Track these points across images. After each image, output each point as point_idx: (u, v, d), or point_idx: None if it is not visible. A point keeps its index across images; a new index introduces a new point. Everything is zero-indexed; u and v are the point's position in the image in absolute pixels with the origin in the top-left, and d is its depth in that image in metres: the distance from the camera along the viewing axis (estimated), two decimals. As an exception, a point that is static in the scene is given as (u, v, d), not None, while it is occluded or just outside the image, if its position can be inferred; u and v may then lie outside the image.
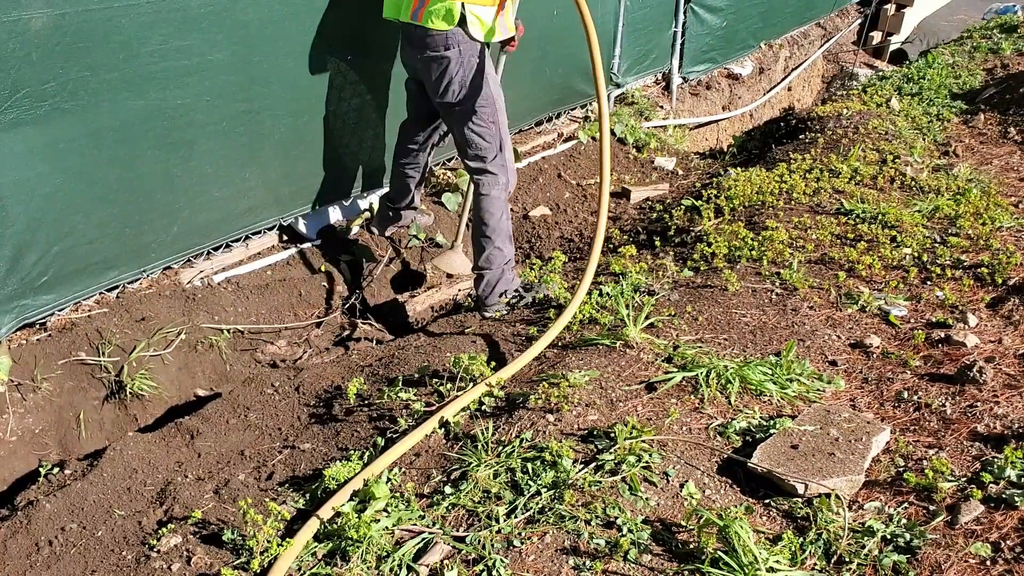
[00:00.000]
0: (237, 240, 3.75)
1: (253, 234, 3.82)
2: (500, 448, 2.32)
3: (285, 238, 4.04)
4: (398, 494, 2.17)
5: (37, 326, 3.16)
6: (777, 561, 1.85)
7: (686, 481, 2.17)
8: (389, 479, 2.25)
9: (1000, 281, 3.21)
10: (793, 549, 1.92)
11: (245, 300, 3.69)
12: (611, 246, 4.18)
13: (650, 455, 2.22)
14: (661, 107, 6.32)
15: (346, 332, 3.85)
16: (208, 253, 3.66)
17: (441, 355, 3.00)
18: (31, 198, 2.86)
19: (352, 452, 2.42)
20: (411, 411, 2.58)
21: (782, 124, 5.91)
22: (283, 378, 3.03)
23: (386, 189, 4.20)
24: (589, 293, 3.20)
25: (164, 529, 2.16)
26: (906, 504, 2.09)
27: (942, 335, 2.88)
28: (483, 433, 2.38)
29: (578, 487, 2.13)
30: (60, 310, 3.18)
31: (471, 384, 2.65)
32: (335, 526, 2.05)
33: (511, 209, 4.58)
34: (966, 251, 3.51)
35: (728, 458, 2.27)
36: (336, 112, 3.80)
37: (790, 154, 4.84)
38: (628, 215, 4.80)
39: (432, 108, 3.63)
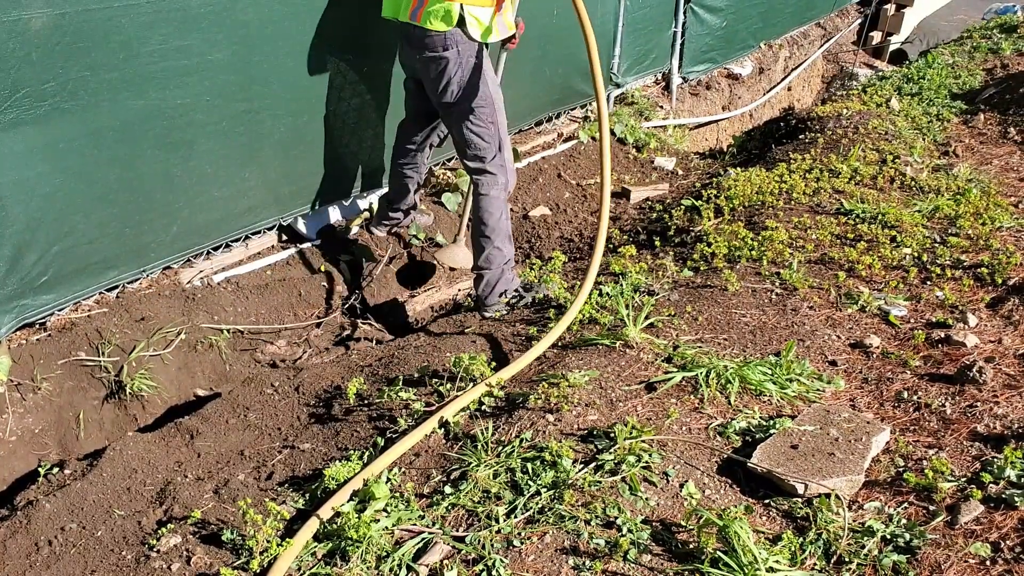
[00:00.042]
0: (237, 240, 3.75)
1: (253, 234, 3.82)
2: (500, 448, 2.32)
3: (285, 238, 4.04)
4: (398, 494, 2.17)
5: (37, 326, 3.16)
6: (777, 561, 1.85)
7: (686, 481, 2.17)
8: (389, 479, 2.25)
9: (1000, 281, 3.21)
10: (793, 549, 1.92)
11: (245, 300, 3.69)
12: (611, 246, 4.18)
13: (650, 455, 2.22)
14: (661, 107, 6.32)
15: (346, 332, 3.85)
16: (208, 253, 3.66)
17: (441, 355, 3.00)
18: (31, 198, 2.86)
19: (352, 452, 2.42)
20: (411, 411, 2.58)
21: (782, 124, 5.91)
22: (283, 378, 3.03)
23: (386, 189, 4.20)
24: (589, 293, 3.19)
25: (164, 529, 2.16)
26: (906, 504, 2.09)
27: (942, 335, 2.88)
28: (483, 433, 2.38)
29: (578, 487, 2.13)
30: (60, 310, 3.18)
31: (471, 384, 2.65)
32: (335, 526, 2.05)
33: (511, 209, 4.58)
34: (966, 251, 3.51)
35: (728, 458, 2.27)
36: (336, 112, 3.80)
37: (790, 154, 4.84)
38: (628, 215, 4.80)
39: (431, 107, 3.63)
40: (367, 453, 2.41)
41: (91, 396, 3.16)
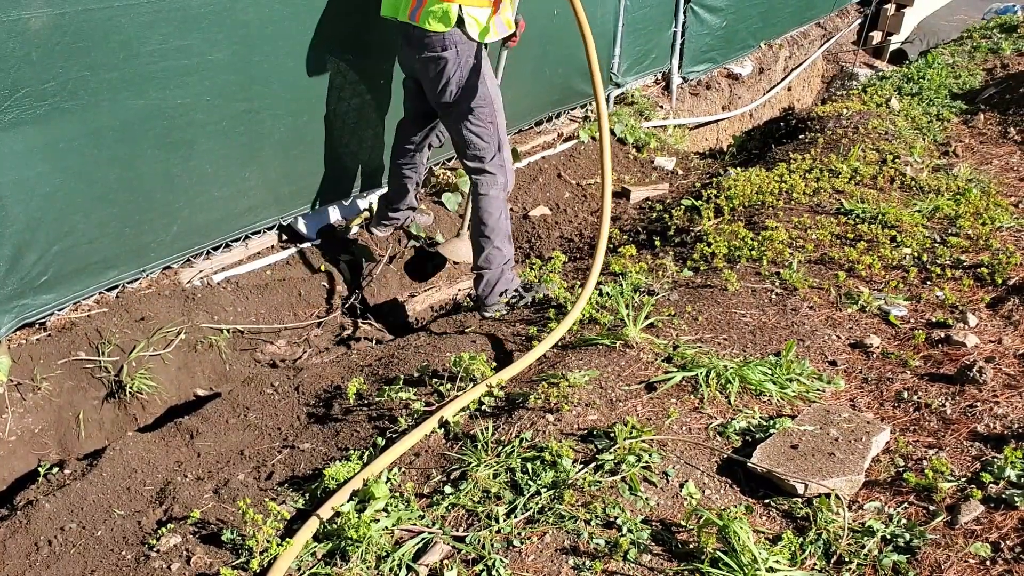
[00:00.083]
0: (237, 240, 3.75)
1: (253, 234, 3.82)
2: (500, 448, 2.31)
3: (285, 238, 4.04)
4: (398, 494, 2.17)
5: (37, 326, 3.16)
6: (777, 561, 1.85)
7: (686, 481, 2.17)
8: (389, 479, 2.25)
9: (1000, 281, 3.21)
10: (793, 549, 1.92)
11: (245, 300, 3.69)
12: (611, 246, 4.17)
13: (650, 455, 2.22)
14: (661, 107, 6.32)
15: (346, 332, 3.85)
16: (208, 253, 3.66)
17: (441, 355, 3.00)
18: (31, 198, 2.86)
19: (352, 452, 2.42)
20: (411, 411, 2.58)
21: (782, 124, 5.91)
22: (283, 378, 3.03)
23: (385, 189, 4.20)
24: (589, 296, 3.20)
25: (164, 529, 2.16)
26: (906, 504, 2.09)
27: (942, 335, 2.88)
28: (483, 433, 2.38)
29: (578, 487, 2.13)
30: (60, 310, 3.18)
31: (471, 384, 2.65)
32: (335, 526, 2.05)
33: (511, 209, 4.59)
34: (966, 251, 3.51)
35: (728, 458, 2.27)
36: (336, 112, 3.80)
37: (790, 154, 4.84)
38: (628, 215, 4.80)
39: (430, 107, 3.63)
40: (367, 453, 2.41)
41: (91, 396, 3.15)
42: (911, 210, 3.95)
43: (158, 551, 2.08)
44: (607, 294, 3.22)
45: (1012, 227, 3.72)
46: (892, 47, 9.29)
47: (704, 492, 2.14)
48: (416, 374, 2.83)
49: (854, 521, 2.03)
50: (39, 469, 2.61)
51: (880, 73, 7.50)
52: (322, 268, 4.00)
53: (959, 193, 4.13)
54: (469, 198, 3.95)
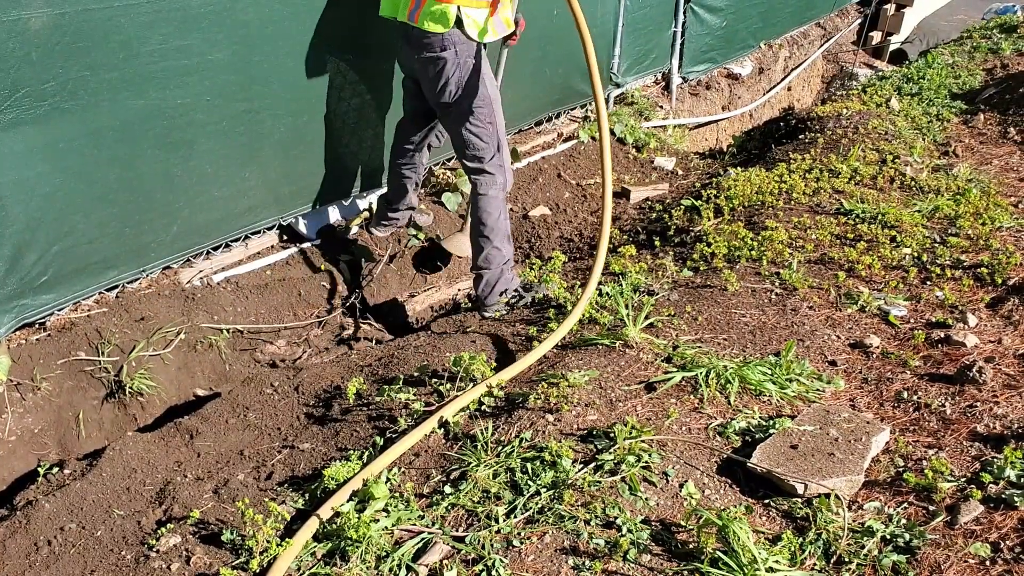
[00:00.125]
0: (237, 240, 3.75)
1: (253, 234, 3.82)
2: (500, 448, 2.32)
3: (285, 238, 4.04)
4: (397, 494, 2.17)
5: (36, 326, 3.16)
6: (776, 561, 1.85)
7: (685, 481, 2.17)
8: (388, 479, 2.25)
9: (1000, 281, 3.21)
10: (792, 549, 1.92)
11: (244, 300, 3.69)
12: (611, 246, 4.17)
13: (650, 455, 2.22)
14: (661, 107, 6.32)
15: (346, 332, 3.85)
16: (208, 253, 3.66)
17: (441, 355, 3.00)
18: (31, 198, 2.86)
19: (351, 452, 2.42)
20: (411, 411, 2.58)
21: (782, 124, 5.91)
22: (282, 378, 3.03)
23: (385, 189, 4.20)
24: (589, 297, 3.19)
25: (163, 529, 2.16)
26: (906, 504, 2.09)
27: (942, 335, 2.88)
28: (483, 433, 2.38)
29: (578, 487, 2.13)
30: (60, 310, 3.18)
31: (471, 384, 2.65)
32: (334, 526, 2.05)
33: (511, 209, 4.59)
34: (966, 251, 3.51)
35: (728, 458, 2.27)
36: (336, 112, 3.80)
37: (790, 154, 4.84)
38: (628, 215, 4.80)
39: (429, 107, 3.63)
40: (367, 453, 2.41)
41: (91, 396, 3.16)
42: (911, 210, 3.95)
43: (158, 551, 2.08)
44: (607, 294, 3.22)
45: (1012, 227, 3.72)
46: (892, 47, 9.29)
47: (704, 492, 2.14)
48: (416, 374, 2.83)
49: (854, 521, 2.03)
50: (39, 469, 2.61)
51: (880, 73, 7.50)
52: (322, 268, 4.00)
53: (959, 193, 4.13)
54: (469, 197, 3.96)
